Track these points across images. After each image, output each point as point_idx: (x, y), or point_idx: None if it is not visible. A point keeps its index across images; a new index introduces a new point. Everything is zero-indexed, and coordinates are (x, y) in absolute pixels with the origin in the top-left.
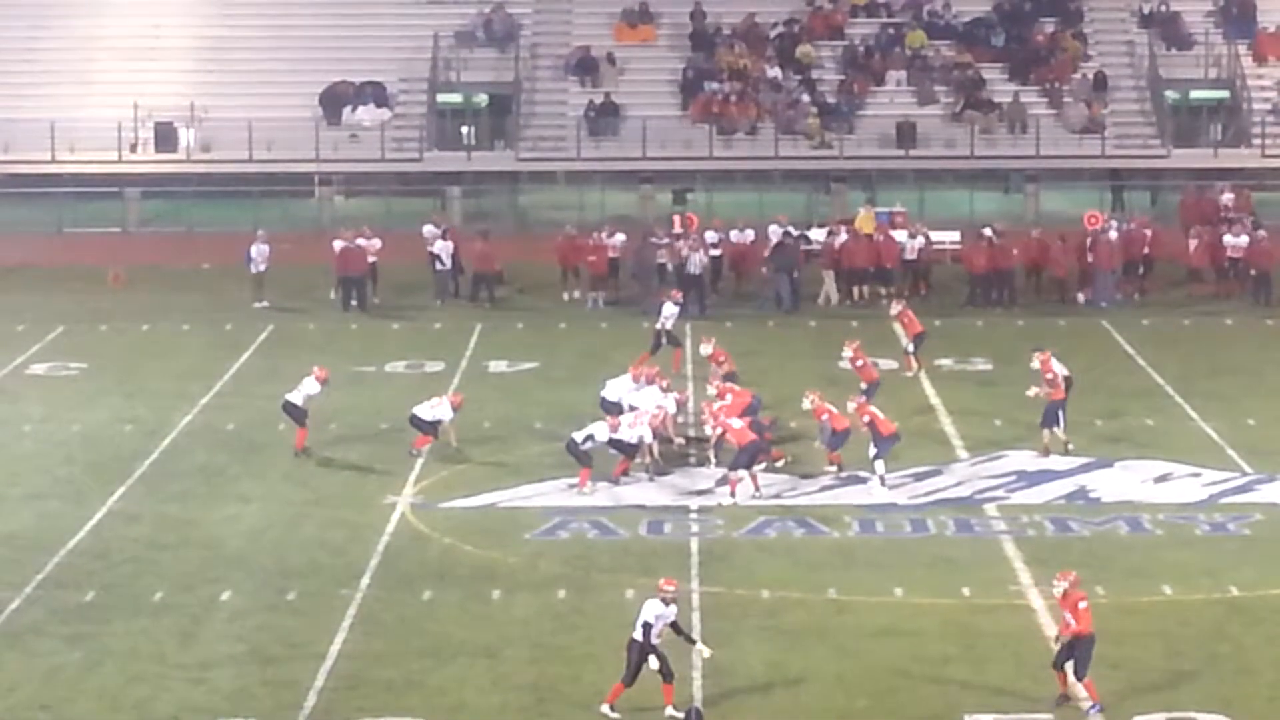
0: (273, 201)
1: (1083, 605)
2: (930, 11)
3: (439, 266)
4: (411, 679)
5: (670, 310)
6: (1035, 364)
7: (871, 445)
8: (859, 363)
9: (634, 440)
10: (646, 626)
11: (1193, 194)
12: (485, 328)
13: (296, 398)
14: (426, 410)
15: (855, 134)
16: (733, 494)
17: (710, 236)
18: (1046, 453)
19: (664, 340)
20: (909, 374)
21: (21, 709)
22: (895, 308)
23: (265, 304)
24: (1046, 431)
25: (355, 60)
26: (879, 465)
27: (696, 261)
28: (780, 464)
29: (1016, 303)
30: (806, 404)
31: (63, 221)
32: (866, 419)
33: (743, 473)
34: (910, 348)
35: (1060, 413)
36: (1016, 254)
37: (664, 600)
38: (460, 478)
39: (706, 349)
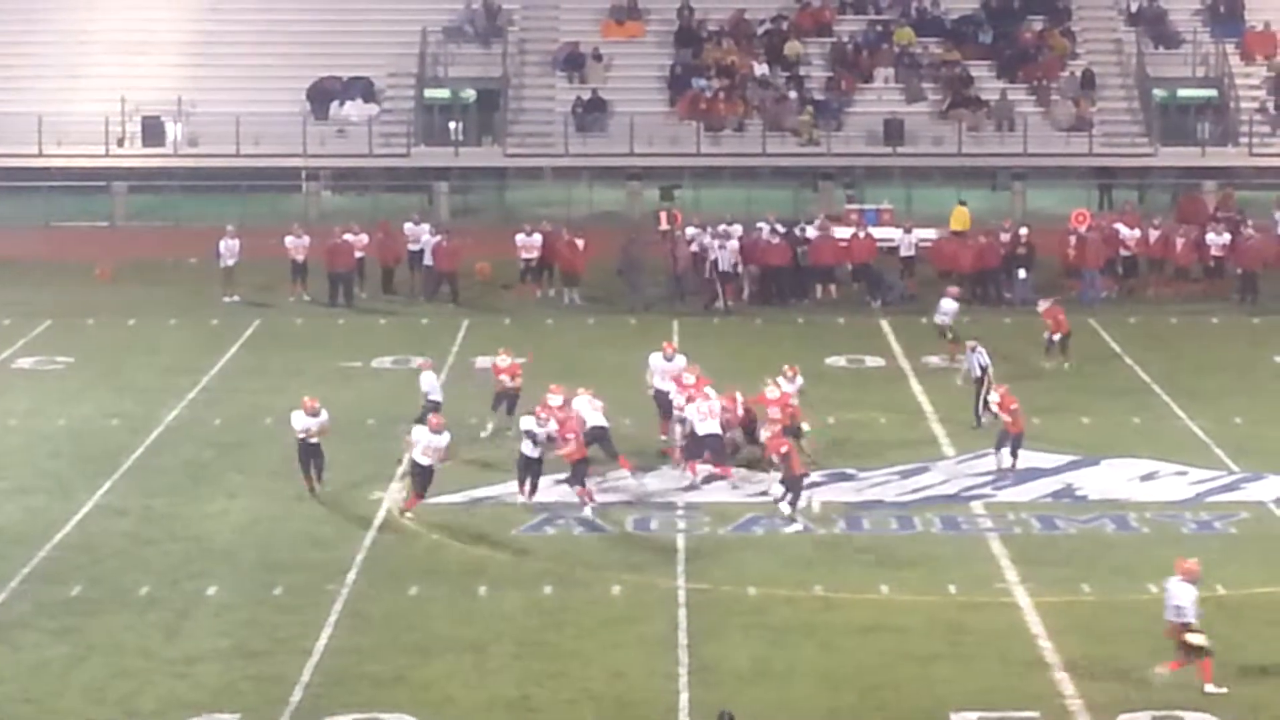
0: (260, 196)
1: None
2: (918, 9)
3: (424, 262)
4: (398, 674)
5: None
6: (995, 397)
7: (778, 484)
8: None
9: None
10: None
11: (1188, 194)
12: (472, 324)
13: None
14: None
15: (843, 131)
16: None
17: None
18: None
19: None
20: (1066, 366)
21: (6, 702)
22: (1043, 305)
23: (236, 299)
24: (995, 454)
25: (343, 55)
26: (785, 507)
27: (726, 258)
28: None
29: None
30: (765, 433)
31: (50, 215)
32: (784, 449)
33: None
34: (1048, 342)
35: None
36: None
37: None
38: (447, 474)
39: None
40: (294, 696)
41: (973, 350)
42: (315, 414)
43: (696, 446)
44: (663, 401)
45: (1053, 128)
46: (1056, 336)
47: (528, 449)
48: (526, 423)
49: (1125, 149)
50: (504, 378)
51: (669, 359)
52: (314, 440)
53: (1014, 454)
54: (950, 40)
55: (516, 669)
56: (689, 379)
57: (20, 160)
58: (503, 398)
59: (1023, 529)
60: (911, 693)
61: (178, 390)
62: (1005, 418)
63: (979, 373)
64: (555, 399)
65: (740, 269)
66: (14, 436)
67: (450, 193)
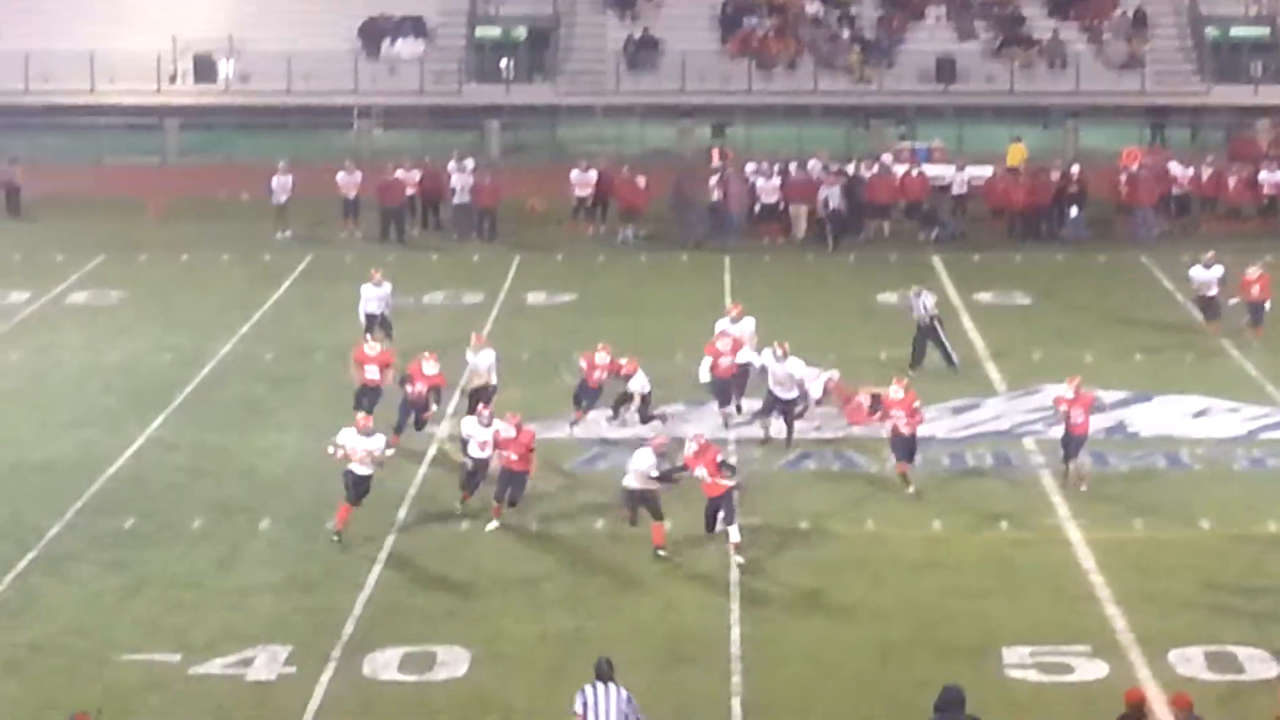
0: (312, 133)
1: None
2: None
3: (456, 201)
4: (450, 608)
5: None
6: (1069, 391)
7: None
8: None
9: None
10: None
11: (1241, 133)
12: (524, 260)
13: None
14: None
15: (894, 69)
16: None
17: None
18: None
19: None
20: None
21: (61, 635)
22: (1253, 270)
23: (288, 235)
24: (1071, 464)
25: None
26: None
27: (835, 195)
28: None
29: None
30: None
31: (102, 152)
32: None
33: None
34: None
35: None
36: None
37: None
38: (497, 409)
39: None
40: (346, 629)
41: (916, 295)
42: (370, 434)
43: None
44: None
45: (1105, 66)
46: (1233, 301)
47: (474, 450)
48: (470, 426)
49: (1177, 87)
50: (370, 369)
51: (736, 321)
52: (364, 472)
53: (1074, 456)
54: None
55: (569, 603)
56: (602, 359)
57: (72, 97)
58: (365, 394)
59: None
60: (963, 628)
61: (230, 325)
62: (1076, 416)
63: (926, 318)
64: (432, 366)
65: (840, 206)
66: (67, 371)
67: (501, 130)
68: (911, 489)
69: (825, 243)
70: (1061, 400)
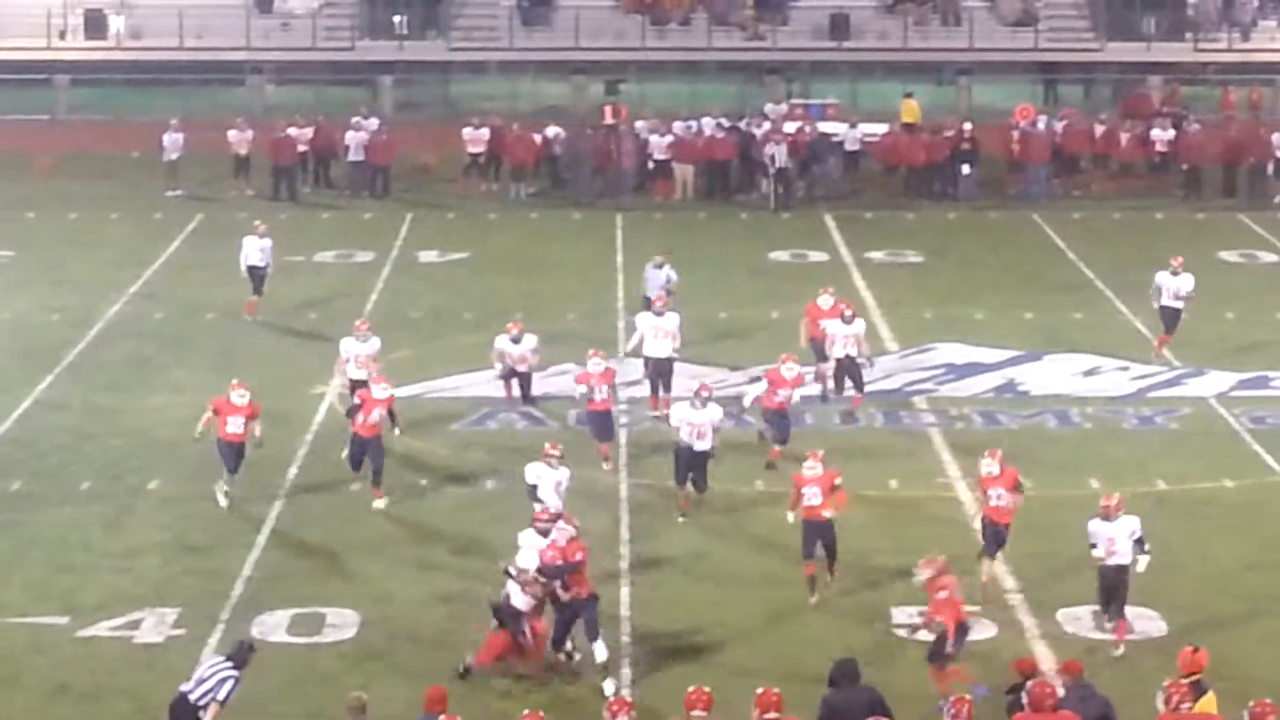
0: (203, 90)
1: (942, 594)
2: None
3: (349, 158)
4: (339, 570)
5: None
6: (993, 466)
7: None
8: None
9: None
10: None
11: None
12: (415, 218)
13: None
14: None
15: (789, 25)
16: None
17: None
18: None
19: None
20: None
21: None
22: None
23: (179, 193)
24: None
25: None
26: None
27: (781, 154)
28: None
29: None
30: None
31: None
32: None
33: None
34: None
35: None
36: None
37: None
38: (389, 368)
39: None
40: (235, 590)
41: (658, 266)
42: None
43: None
44: (661, 370)
45: (999, 22)
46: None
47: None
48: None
49: (1071, 44)
50: (233, 421)
51: (659, 314)
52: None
53: (993, 553)
54: None
55: (457, 565)
56: (597, 367)
57: None
58: (227, 452)
59: (965, 424)
60: (852, 588)
61: (119, 284)
62: (995, 496)
63: (655, 290)
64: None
65: (787, 165)
66: None
67: (394, 86)
68: (816, 599)
69: (714, 198)
70: (983, 480)
